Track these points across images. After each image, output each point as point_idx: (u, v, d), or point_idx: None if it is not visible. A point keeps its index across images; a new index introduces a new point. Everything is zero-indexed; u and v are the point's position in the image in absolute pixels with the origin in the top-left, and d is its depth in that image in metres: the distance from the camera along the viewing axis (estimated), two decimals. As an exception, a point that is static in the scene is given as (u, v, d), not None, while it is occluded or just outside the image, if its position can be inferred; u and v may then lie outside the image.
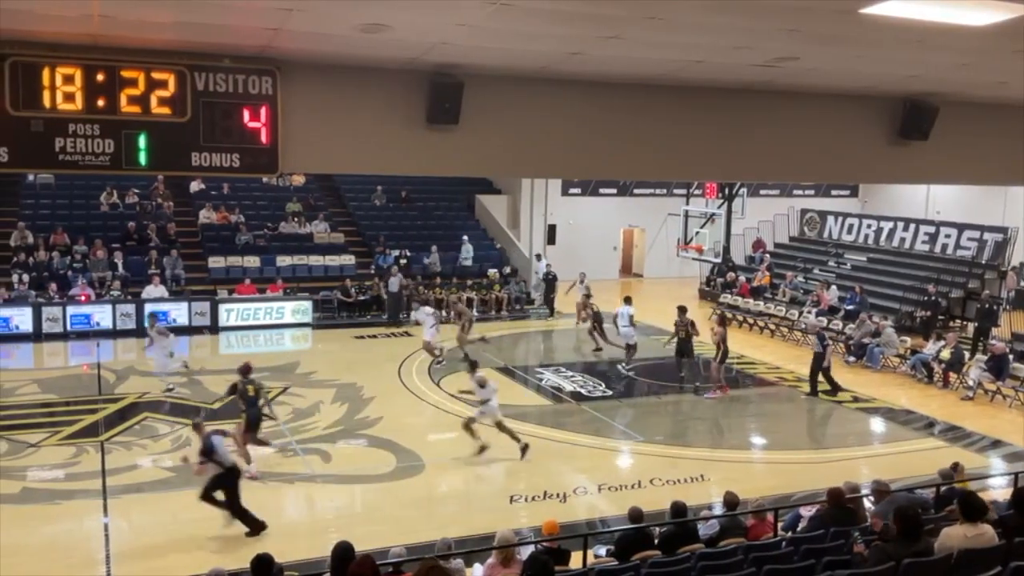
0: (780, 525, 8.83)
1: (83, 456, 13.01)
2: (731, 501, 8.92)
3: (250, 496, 11.66)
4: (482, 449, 13.00)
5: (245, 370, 12.79)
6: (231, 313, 22.34)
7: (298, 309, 22.76)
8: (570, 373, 18.47)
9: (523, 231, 28.81)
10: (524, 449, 13.05)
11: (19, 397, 15.96)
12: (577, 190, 31.32)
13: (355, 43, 6.99)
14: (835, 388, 17.07)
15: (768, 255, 29.10)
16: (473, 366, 14.13)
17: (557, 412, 16.07)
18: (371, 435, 14.29)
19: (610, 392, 17.19)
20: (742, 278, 27.39)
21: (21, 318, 20.54)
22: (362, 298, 23.92)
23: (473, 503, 11.98)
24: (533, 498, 11.80)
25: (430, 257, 26.05)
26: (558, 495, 11.94)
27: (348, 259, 25.63)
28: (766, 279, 26.84)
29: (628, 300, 19.19)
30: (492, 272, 26.13)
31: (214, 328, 21.98)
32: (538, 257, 27.13)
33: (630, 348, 18.90)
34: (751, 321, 24.26)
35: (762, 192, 32.11)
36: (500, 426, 13.11)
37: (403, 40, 6.88)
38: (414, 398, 16.67)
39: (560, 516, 9.53)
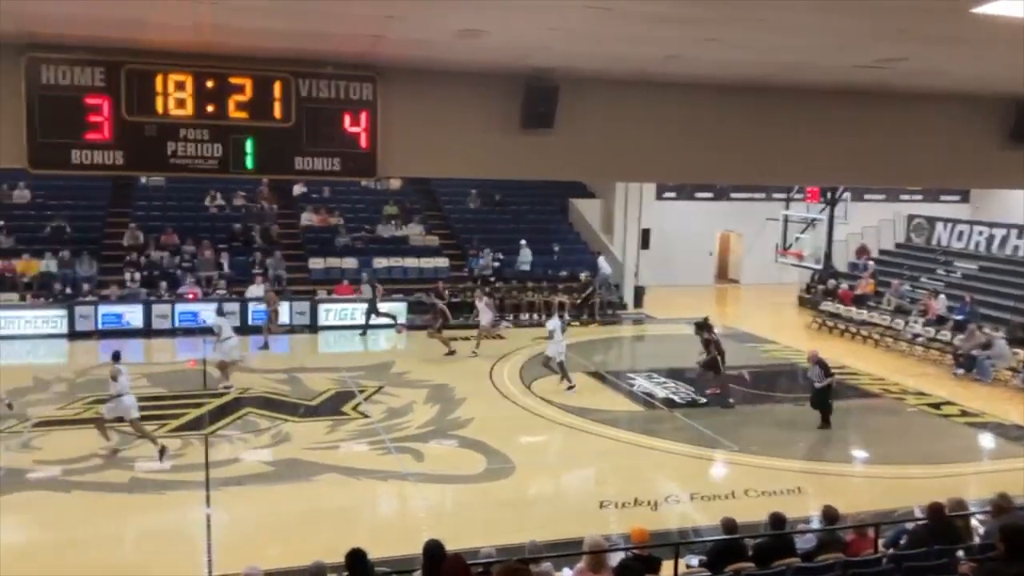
0: (881, 541, 8.51)
1: (188, 448, 13.53)
2: (830, 515, 8.63)
3: (344, 492, 11.96)
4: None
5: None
6: (329, 313, 22.91)
7: (392, 310, 23.16)
8: (662, 379, 18.25)
9: (617, 235, 28.62)
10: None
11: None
12: (672, 194, 30.94)
13: (452, 49, 7.08)
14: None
15: (872, 262, 28.12)
16: None
17: (648, 418, 15.91)
18: (462, 436, 14.42)
19: (703, 399, 16.90)
20: (844, 285, 26.56)
21: (132, 314, 21.55)
22: (455, 300, 24.16)
23: (563, 507, 11.96)
24: (623, 504, 11.70)
25: (519, 256, 26.18)
26: (649, 503, 11.81)
27: (442, 262, 25.96)
28: (870, 287, 25.94)
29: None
30: (585, 276, 26.04)
31: (313, 327, 22.58)
32: (597, 254, 26.82)
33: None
34: (853, 330, 23.48)
35: (867, 197, 31.05)
36: None
37: (499, 45, 6.93)
38: (505, 400, 16.75)
39: (651, 524, 9.41)
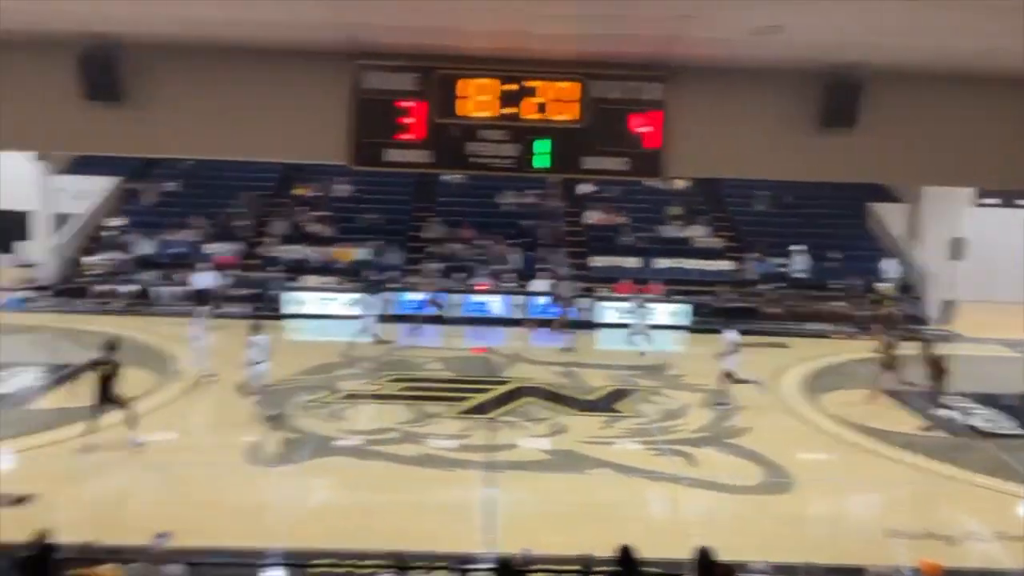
0: None
1: (473, 431, 14.35)
2: None
3: (617, 488, 12.10)
4: None
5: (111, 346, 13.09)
6: (609, 311, 23.25)
7: (676, 311, 23.03)
8: (971, 404, 16.54)
9: (924, 244, 26.29)
10: None
11: (425, 372, 18.06)
12: (994, 200, 27.88)
13: (746, 47, 6.91)
14: None
15: None
16: None
17: (952, 446, 14.47)
18: (738, 445, 14.02)
19: (1021, 430, 15.09)
20: None
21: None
22: (737, 305, 23.55)
23: (844, 530, 11.25)
24: (913, 536, 10.77)
25: (793, 262, 24.90)
26: (945, 537, 10.78)
27: (725, 264, 25.37)
28: None
29: None
30: (884, 286, 24.23)
31: (593, 324, 23.03)
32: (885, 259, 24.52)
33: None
34: None
35: None
36: None
37: (797, 41, 6.66)
38: (787, 412, 16.06)
39: (944, 560, 8.60)
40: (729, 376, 16.12)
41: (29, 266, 25.30)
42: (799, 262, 25.04)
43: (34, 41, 7.52)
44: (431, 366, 18.59)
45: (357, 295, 20.06)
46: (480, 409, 15.53)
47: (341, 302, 22.94)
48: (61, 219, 26.09)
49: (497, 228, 26.27)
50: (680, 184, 28.38)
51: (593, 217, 27.10)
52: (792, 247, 25.28)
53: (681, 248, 25.99)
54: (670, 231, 26.60)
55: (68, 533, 7.54)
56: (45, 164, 25.15)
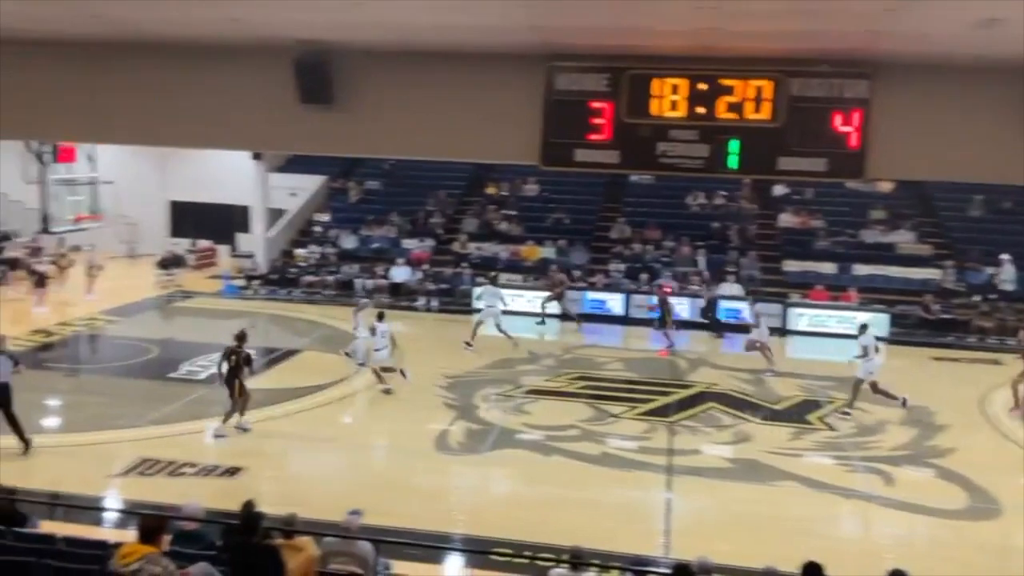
0: None
1: (654, 433, 14.23)
2: None
3: (803, 502, 11.65)
4: None
5: (241, 336, 13.39)
6: (801, 318, 22.33)
7: (873, 321, 21.76)
8: None
9: None
10: None
11: (606, 371, 18.08)
12: None
13: (961, 41, 6.45)
14: None
15: None
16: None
17: None
18: (941, 465, 13.10)
19: None
20: None
21: (614, 302, 23.26)
22: (945, 317, 21.97)
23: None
24: None
25: (1001, 272, 22.82)
26: None
27: (933, 273, 23.72)
28: None
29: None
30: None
31: (783, 331, 22.21)
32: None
33: None
34: None
35: None
36: None
37: (1017, 35, 6.14)
38: (997, 434, 14.84)
39: None
40: (874, 388, 15.40)
41: (246, 256, 27.48)
42: (1007, 272, 22.99)
43: (256, 49, 8.18)
44: (612, 366, 18.59)
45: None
46: (661, 412, 15.38)
47: (527, 299, 23.37)
48: (275, 214, 28.19)
49: (684, 229, 25.87)
50: (885, 187, 26.76)
51: (787, 220, 26.12)
52: (1002, 256, 23.26)
53: (883, 254, 24.53)
54: (872, 236, 25.18)
55: (271, 505, 8.15)
56: (262, 163, 27.25)
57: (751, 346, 18.43)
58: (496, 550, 9.43)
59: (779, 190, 27.11)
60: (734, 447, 13.73)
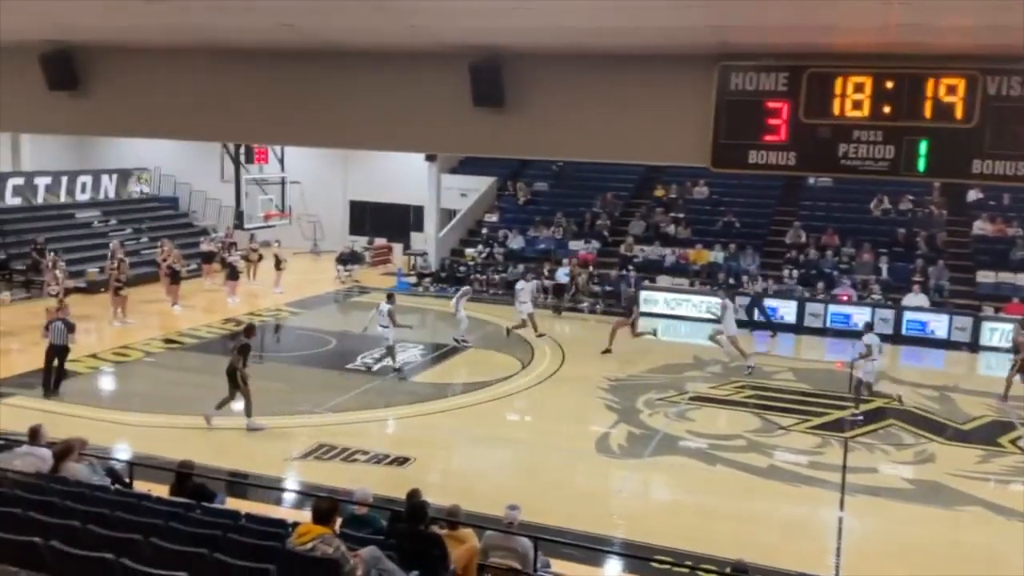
0: None
1: (826, 448, 13.61)
2: None
3: (989, 530, 10.85)
4: None
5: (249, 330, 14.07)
6: (995, 332, 20.70)
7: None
8: None
9: None
10: None
11: (776, 381, 17.44)
12: None
13: None
14: None
15: None
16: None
17: None
18: None
19: None
20: None
21: (786, 310, 22.37)
22: None
23: None
24: None
25: None
26: None
27: None
28: None
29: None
30: None
31: (974, 346, 20.70)
32: None
33: None
34: None
35: None
36: None
37: None
38: None
39: None
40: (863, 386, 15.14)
41: (418, 254, 28.46)
42: None
43: (432, 54, 8.45)
44: (782, 376, 17.92)
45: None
46: (836, 426, 14.68)
47: (693, 303, 22.94)
48: (446, 214, 29.04)
49: (865, 235, 24.57)
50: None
51: (981, 227, 24.29)
52: None
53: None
54: (1079, 246, 23.03)
55: (435, 496, 8.40)
56: (435, 164, 28.14)
57: (715, 336, 18.25)
58: (657, 557, 9.30)
59: (973, 195, 25.27)
60: (915, 467, 12.95)
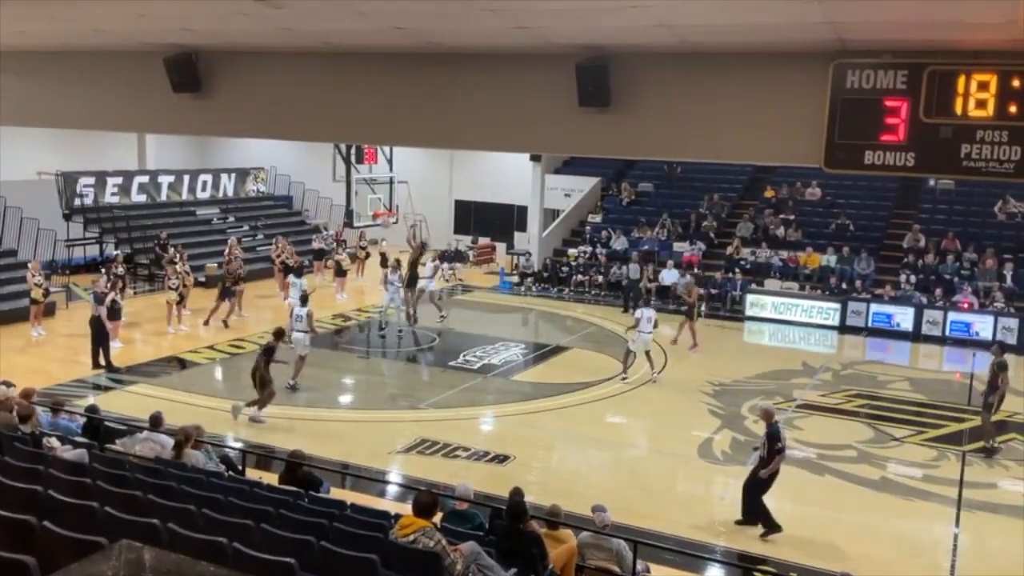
0: None
1: (943, 462, 13.03)
2: None
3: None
4: None
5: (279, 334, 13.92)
6: None
7: None
8: None
9: None
10: None
11: (890, 391, 16.77)
12: None
13: None
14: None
15: None
16: None
17: None
18: None
19: None
20: None
21: (902, 316, 21.48)
22: None
23: None
24: None
25: None
26: None
27: None
28: None
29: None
30: None
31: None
32: None
33: None
34: None
35: None
36: None
37: None
38: None
39: None
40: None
41: (521, 254, 28.60)
42: None
43: (540, 55, 8.48)
44: (897, 385, 17.23)
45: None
46: (954, 439, 14.03)
47: (802, 308, 22.31)
48: (550, 214, 29.08)
49: (988, 240, 23.37)
50: None
51: (1119, 233, 22.79)
52: None
53: None
54: None
55: (535, 495, 8.44)
56: (540, 164, 28.21)
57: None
58: (761, 567, 9.10)
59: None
60: (1040, 486, 12.26)
